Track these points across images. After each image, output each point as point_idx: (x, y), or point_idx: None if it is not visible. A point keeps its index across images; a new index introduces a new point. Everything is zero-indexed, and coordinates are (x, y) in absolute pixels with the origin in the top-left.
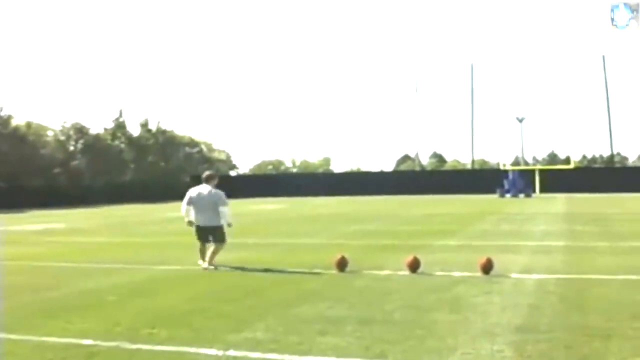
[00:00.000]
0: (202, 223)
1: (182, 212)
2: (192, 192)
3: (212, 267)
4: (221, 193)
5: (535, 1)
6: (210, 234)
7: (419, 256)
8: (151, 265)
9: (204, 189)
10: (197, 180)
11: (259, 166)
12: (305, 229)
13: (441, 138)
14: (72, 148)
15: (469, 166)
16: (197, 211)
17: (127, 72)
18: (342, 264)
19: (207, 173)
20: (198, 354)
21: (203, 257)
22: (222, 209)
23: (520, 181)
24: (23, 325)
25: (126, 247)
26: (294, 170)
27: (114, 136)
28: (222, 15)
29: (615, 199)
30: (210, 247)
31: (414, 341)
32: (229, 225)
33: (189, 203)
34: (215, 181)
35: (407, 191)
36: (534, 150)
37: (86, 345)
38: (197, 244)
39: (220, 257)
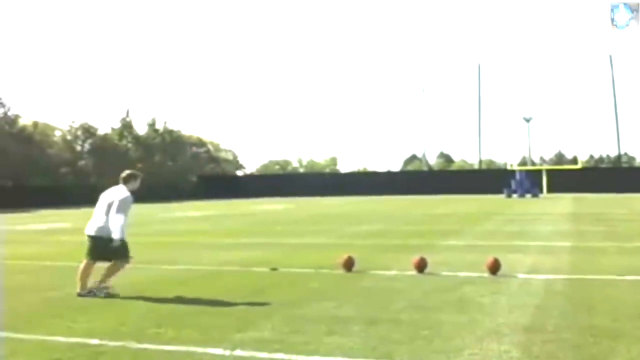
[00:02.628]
0: (87, 231)
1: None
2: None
3: (103, 290)
4: (125, 196)
5: (543, 1)
6: (98, 248)
7: (425, 256)
8: (157, 264)
9: (113, 190)
10: (203, 180)
11: (265, 166)
12: (311, 228)
13: (448, 138)
14: (79, 148)
15: (476, 166)
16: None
17: (135, 72)
18: (349, 264)
19: (126, 172)
20: (205, 353)
21: (82, 279)
22: (113, 215)
23: (527, 181)
24: (29, 324)
25: (132, 247)
26: (301, 170)
27: (121, 136)
28: (229, 15)
29: (623, 199)
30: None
31: (421, 341)
32: (114, 241)
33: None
34: (137, 184)
35: (414, 191)
36: (541, 150)
37: (92, 344)
38: (203, 242)
39: (227, 256)
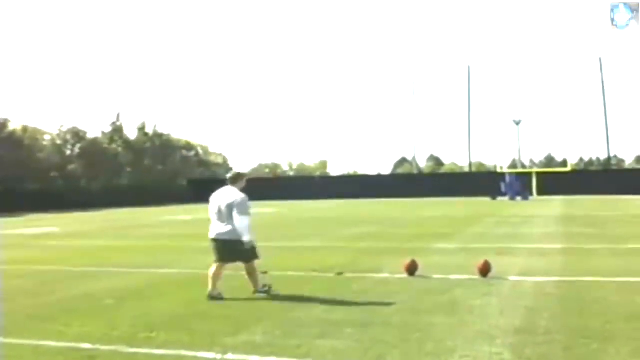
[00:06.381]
0: (215, 235)
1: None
2: (213, 196)
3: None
4: (242, 198)
5: (532, 3)
6: (228, 251)
7: (416, 259)
8: (148, 268)
9: (224, 192)
10: (193, 184)
11: (255, 170)
12: (302, 232)
13: (438, 141)
14: (69, 152)
15: (466, 169)
16: (212, 220)
17: (125, 76)
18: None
19: (233, 173)
20: (196, 357)
21: (214, 283)
22: (238, 218)
23: (517, 184)
24: (20, 329)
25: (123, 251)
26: (291, 173)
27: (111, 140)
28: (219, 19)
29: (612, 202)
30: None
31: (413, 344)
32: (246, 243)
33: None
34: (243, 183)
35: (404, 194)
36: (531, 153)
37: (84, 349)
38: (194, 246)
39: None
